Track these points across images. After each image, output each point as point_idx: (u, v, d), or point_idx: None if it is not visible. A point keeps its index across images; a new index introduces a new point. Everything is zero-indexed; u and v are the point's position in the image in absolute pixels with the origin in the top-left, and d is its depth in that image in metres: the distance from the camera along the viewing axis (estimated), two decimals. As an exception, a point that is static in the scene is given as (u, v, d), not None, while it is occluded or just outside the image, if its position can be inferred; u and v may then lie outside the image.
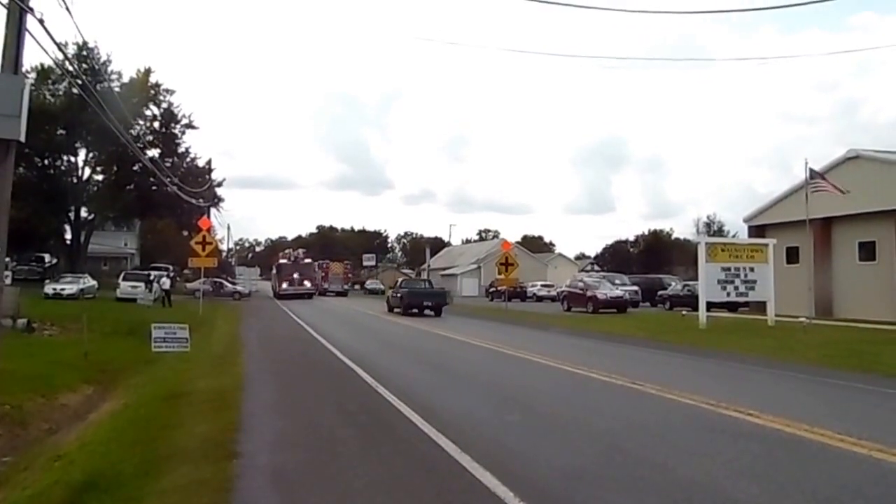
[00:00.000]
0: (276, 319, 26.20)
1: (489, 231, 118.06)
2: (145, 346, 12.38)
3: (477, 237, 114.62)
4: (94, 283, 33.99)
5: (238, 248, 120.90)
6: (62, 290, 30.21)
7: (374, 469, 5.41)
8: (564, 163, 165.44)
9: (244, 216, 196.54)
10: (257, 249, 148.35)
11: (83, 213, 42.28)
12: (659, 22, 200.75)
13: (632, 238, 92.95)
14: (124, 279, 33.32)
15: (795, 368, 11.49)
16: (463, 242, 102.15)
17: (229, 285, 46.00)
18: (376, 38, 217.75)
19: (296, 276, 45.79)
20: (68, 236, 42.99)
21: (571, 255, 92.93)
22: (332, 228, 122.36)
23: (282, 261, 49.17)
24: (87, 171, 41.69)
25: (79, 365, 12.17)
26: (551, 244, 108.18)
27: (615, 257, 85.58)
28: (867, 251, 26.09)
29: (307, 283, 46.65)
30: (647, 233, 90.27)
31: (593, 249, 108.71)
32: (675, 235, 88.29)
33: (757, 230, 30.38)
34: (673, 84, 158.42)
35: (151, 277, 34.79)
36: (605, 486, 4.91)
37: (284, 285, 45.14)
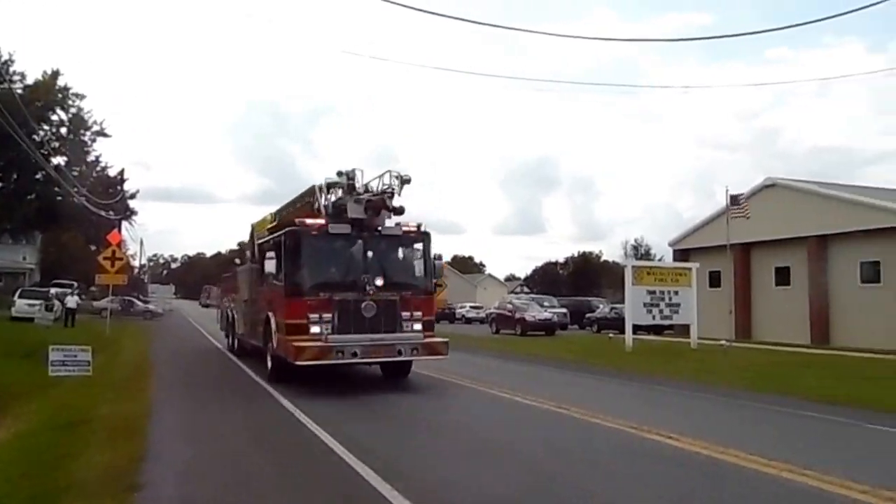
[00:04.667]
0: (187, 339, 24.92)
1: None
2: (43, 369, 11.40)
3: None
4: (-15, 300, 31.37)
5: (152, 264, 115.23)
6: (-53, 308, 27.67)
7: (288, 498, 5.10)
8: (495, 183, 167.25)
9: (159, 230, 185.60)
10: (173, 266, 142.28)
11: (-24, 223, 39.01)
12: (589, 47, 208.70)
13: (561, 260, 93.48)
14: (21, 296, 30.59)
15: (716, 391, 11.85)
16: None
17: (140, 304, 43.53)
18: (303, 51, 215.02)
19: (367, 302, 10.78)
20: (-42, 249, 39.63)
21: (501, 277, 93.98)
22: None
23: (297, 228, 11.15)
24: (-19, 179, 38.52)
25: (-37, 390, 11.02)
26: (481, 265, 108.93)
27: (545, 279, 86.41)
28: (783, 276, 27.52)
29: (421, 319, 11.52)
30: (576, 255, 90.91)
31: (523, 271, 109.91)
32: (603, 258, 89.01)
33: (681, 254, 31.36)
34: (602, 108, 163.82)
35: (52, 294, 32.43)
36: (530, 514, 4.81)
37: (316, 329, 10.55)
